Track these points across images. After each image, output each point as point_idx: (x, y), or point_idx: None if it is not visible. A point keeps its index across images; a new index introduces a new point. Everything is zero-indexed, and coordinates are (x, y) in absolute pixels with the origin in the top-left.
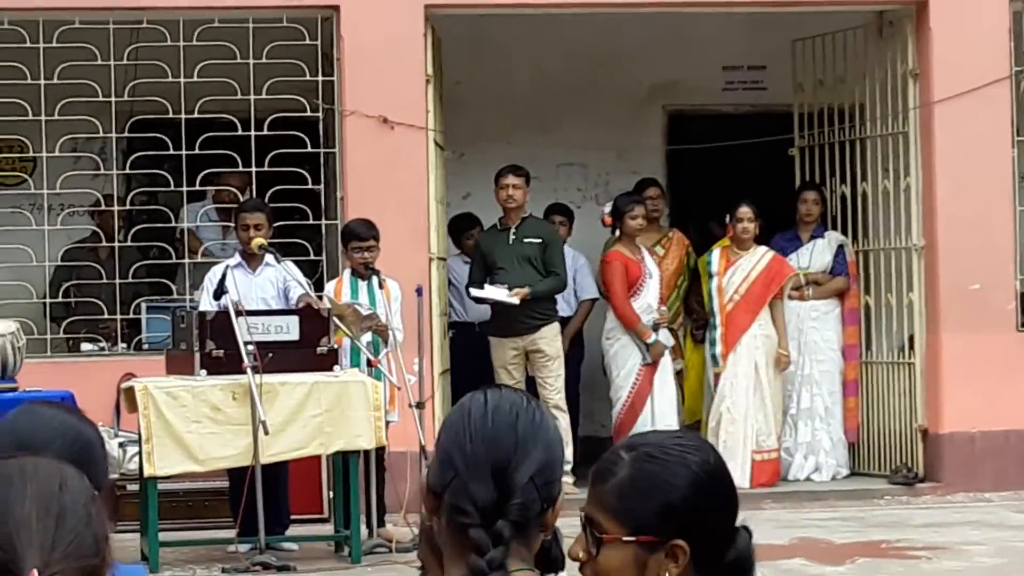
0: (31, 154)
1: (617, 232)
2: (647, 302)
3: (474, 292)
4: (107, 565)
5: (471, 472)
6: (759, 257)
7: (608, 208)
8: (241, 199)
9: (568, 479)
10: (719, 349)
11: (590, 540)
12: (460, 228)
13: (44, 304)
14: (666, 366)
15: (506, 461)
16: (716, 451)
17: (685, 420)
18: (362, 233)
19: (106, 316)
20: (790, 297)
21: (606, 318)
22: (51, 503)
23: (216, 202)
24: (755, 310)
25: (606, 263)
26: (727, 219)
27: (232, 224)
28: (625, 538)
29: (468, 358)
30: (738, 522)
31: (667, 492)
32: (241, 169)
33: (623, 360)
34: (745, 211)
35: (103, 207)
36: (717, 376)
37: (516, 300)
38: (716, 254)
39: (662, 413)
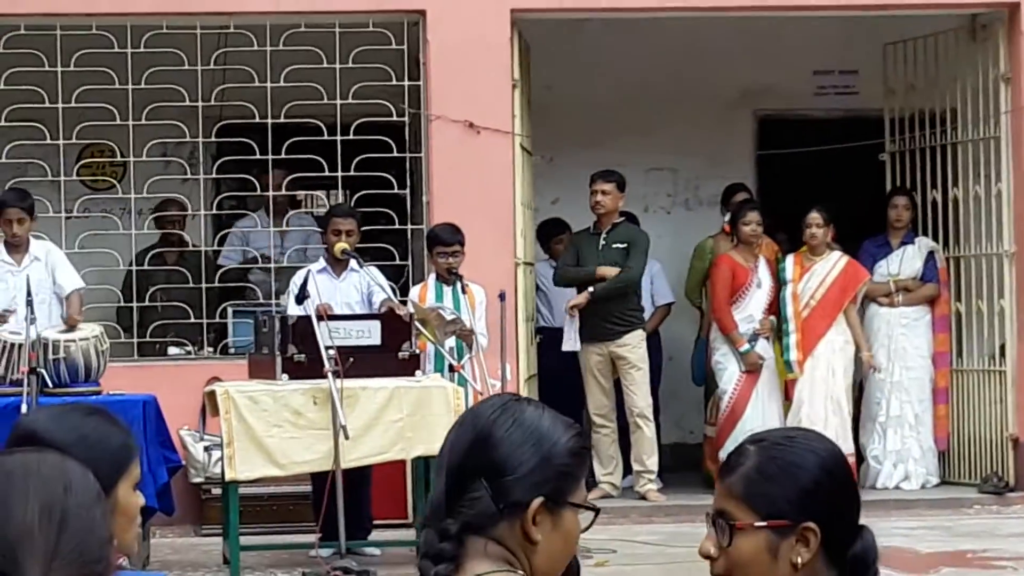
0: (120, 159)
1: (733, 239)
2: (750, 311)
3: (565, 347)
4: (110, 568)
5: (437, 474)
6: (834, 262)
7: (727, 217)
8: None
9: (653, 486)
10: (794, 356)
11: (720, 533)
12: (549, 233)
13: (131, 308)
14: (771, 376)
15: (458, 461)
16: (833, 442)
17: None
18: (447, 238)
19: (192, 320)
20: (879, 303)
21: (712, 324)
22: (55, 507)
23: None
24: (832, 315)
25: (714, 265)
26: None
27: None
28: (757, 523)
29: (556, 363)
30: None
31: (796, 476)
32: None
33: (723, 367)
34: (815, 217)
35: (175, 211)
36: (792, 383)
37: (581, 301)
38: (790, 260)
39: (764, 423)
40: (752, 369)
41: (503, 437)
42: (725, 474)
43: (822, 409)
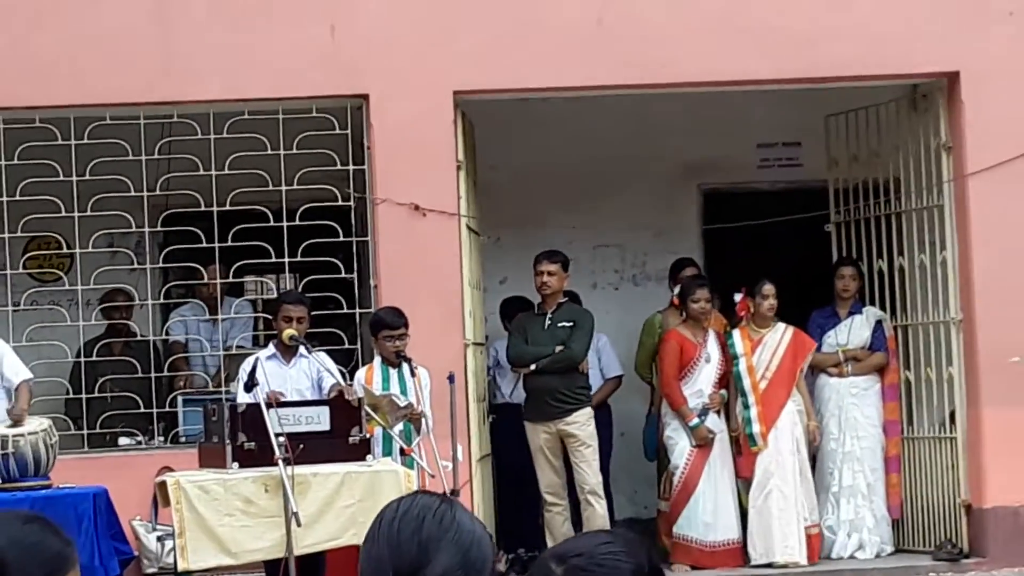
0: (67, 250)
1: (682, 313)
2: (699, 386)
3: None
4: None
5: (376, 571)
6: (782, 332)
7: (677, 290)
8: (217, 294)
9: None
10: (757, 428)
11: None
12: (512, 311)
13: (80, 399)
14: (722, 450)
15: (408, 565)
16: (650, 550)
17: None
18: (392, 322)
19: (142, 410)
20: (828, 374)
21: (662, 399)
22: None
23: (200, 298)
24: (789, 385)
25: (663, 341)
26: (742, 295)
27: (208, 318)
28: None
29: (514, 440)
30: None
31: None
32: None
33: (675, 442)
34: (770, 288)
35: (121, 301)
36: (752, 456)
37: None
38: (736, 335)
39: (716, 496)
40: (703, 443)
41: (452, 540)
42: None
43: (791, 479)
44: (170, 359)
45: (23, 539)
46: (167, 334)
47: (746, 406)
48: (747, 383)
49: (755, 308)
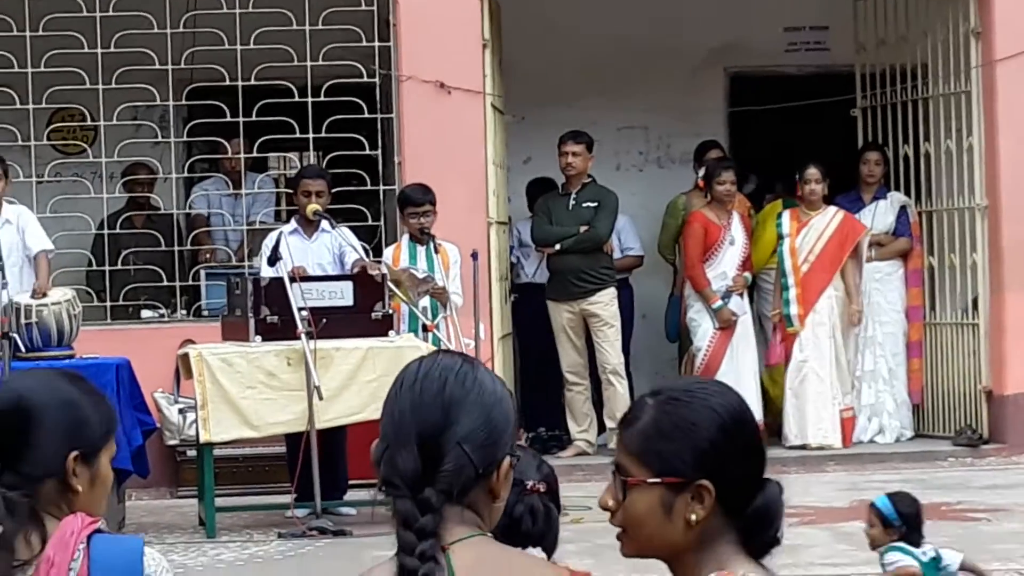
0: (91, 123)
1: (706, 196)
2: (722, 269)
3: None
4: None
5: (398, 441)
6: (830, 217)
7: (702, 172)
8: (240, 169)
9: None
10: (795, 310)
11: (617, 486)
12: (537, 192)
13: (103, 271)
14: (745, 332)
15: (432, 427)
16: (742, 398)
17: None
18: (418, 198)
19: (165, 283)
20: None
21: (685, 281)
22: None
23: (223, 172)
24: (831, 270)
25: (687, 223)
26: (796, 178)
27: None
28: (650, 480)
29: (536, 319)
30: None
31: (691, 433)
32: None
33: (697, 324)
34: (813, 172)
35: (143, 175)
36: (790, 337)
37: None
38: (786, 216)
39: (738, 378)
40: (725, 325)
41: (475, 402)
42: (623, 427)
43: (827, 363)
44: (192, 233)
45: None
46: (190, 208)
47: (785, 287)
48: (788, 264)
49: (800, 191)
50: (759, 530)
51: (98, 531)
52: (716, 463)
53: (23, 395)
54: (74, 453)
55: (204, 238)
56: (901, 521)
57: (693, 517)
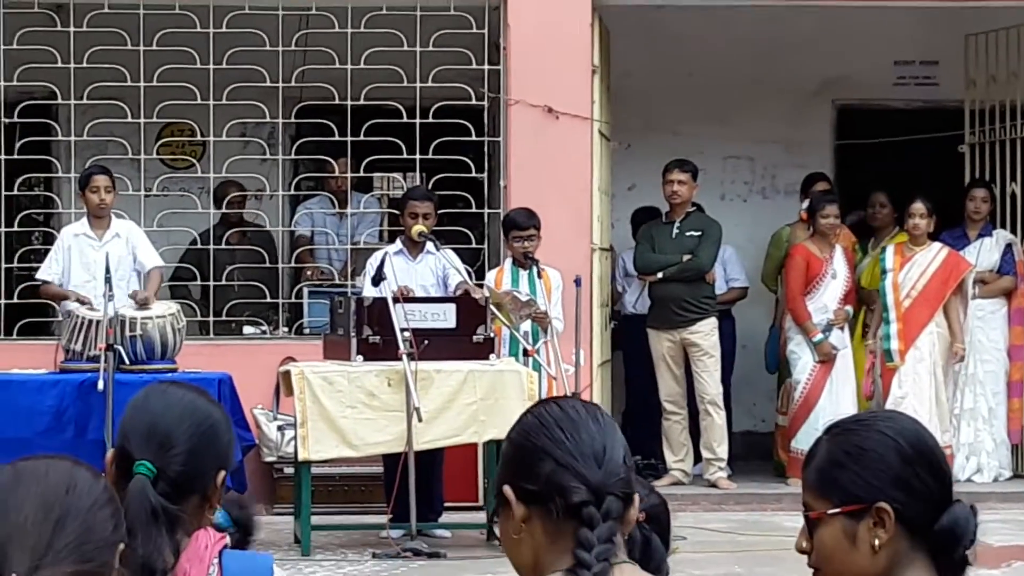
0: (200, 138)
1: (809, 228)
2: (824, 302)
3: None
4: (111, 570)
5: (576, 459)
6: (935, 253)
7: (806, 204)
8: (347, 188)
9: (723, 473)
10: (895, 345)
11: (806, 526)
12: (642, 221)
13: (209, 287)
14: (845, 366)
15: (602, 445)
16: (917, 422)
17: None
18: (523, 222)
19: (268, 300)
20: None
21: (786, 313)
22: (54, 506)
23: (328, 191)
24: (934, 306)
25: (789, 256)
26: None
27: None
28: (830, 511)
29: (640, 349)
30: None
31: (862, 458)
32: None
33: (797, 357)
34: (918, 207)
35: (230, 193)
36: (889, 372)
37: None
38: (890, 250)
39: (837, 412)
40: (826, 359)
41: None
42: (804, 468)
43: (927, 400)
44: (296, 251)
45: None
46: (295, 226)
47: (887, 322)
48: (891, 299)
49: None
50: (947, 551)
51: (226, 546)
52: (893, 485)
53: (208, 411)
54: (223, 473)
55: (307, 257)
56: None
57: (877, 542)
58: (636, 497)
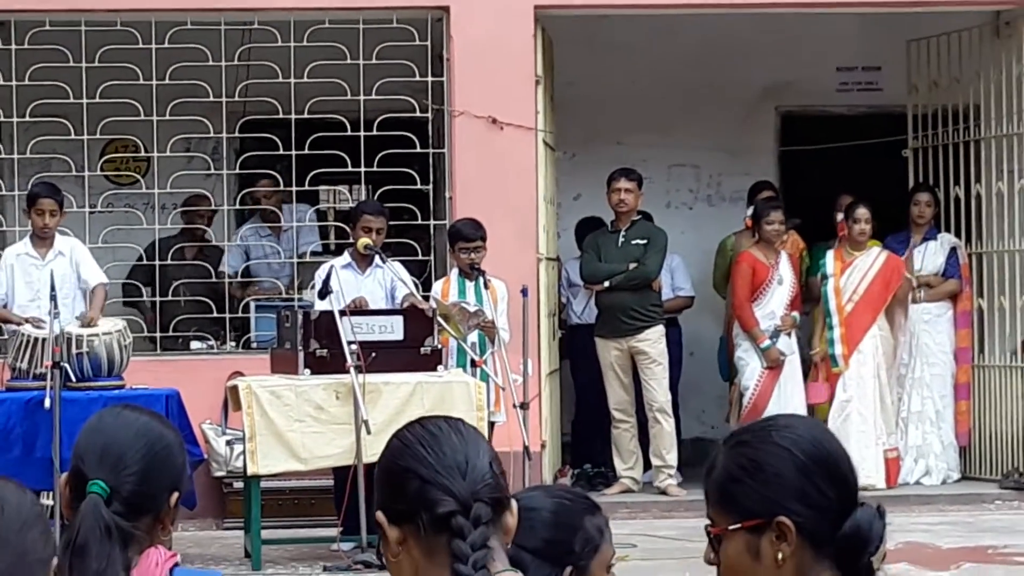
0: (144, 154)
1: (755, 235)
2: (771, 308)
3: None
4: None
5: (440, 473)
6: (875, 257)
7: (750, 212)
8: (280, 211)
9: (673, 480)
10: (839, 350)
11: (710, 540)
12: (586, 232)
13: (155, 302)
14: (792, 372)
15: (464, 456)
16: (817, 429)
17: None
18: (469, 233)
19: (215, 315)
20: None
21: (734, 320)
22: None
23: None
24: (876, 309)
25: (735, 263)
26: (841, 218)
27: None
28: (730, 527)
29: (587, 358)
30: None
31: (758, 473)
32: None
33: (745, 363)
34: (863, 212)
35: (204, 207)
36: (833, 377)
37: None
38: (829, 256)
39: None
40: (773, 365)
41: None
42: (705, 479)
43: (871, 403)
44: (240, 269)
45: (147, 434)
46: (226, 267)
47: (830, 327)
48: (833, 304)
49: (848, 231)
50: (852, 558)
51: (176, 564)
52: (791, 498)
53: (162, 433)
54: (176, 494)
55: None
56: None
57: (780, 556)
58: (512, 503)
